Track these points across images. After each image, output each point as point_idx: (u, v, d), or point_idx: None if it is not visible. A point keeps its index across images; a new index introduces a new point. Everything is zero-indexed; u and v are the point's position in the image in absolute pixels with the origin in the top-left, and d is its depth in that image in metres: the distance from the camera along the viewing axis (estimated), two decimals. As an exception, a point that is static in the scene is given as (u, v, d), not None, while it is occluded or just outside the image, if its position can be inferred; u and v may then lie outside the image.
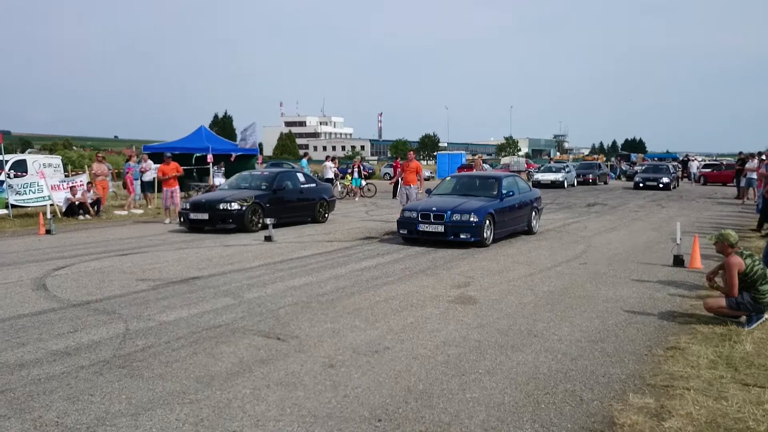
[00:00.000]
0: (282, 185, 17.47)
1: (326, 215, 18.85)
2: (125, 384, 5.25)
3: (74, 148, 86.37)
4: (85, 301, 8.31)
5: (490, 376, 5.53)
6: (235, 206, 15.82)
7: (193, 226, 16.22)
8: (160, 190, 20.06)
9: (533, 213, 15.62)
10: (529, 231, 15.42)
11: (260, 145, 29.93)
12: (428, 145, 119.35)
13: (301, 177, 18.92)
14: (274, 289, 9.08)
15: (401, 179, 18.85)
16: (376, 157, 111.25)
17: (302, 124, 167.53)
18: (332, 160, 31.02)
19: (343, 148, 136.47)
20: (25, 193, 19.10)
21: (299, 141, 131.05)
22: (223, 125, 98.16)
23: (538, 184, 38.46)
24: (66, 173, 26.07)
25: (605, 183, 44.64)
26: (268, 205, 16.51)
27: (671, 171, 38.65)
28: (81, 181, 20.31)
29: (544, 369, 5.71)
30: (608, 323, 7.32)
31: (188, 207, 16.37)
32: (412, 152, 21.36)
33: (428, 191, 15.64)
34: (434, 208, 13.42)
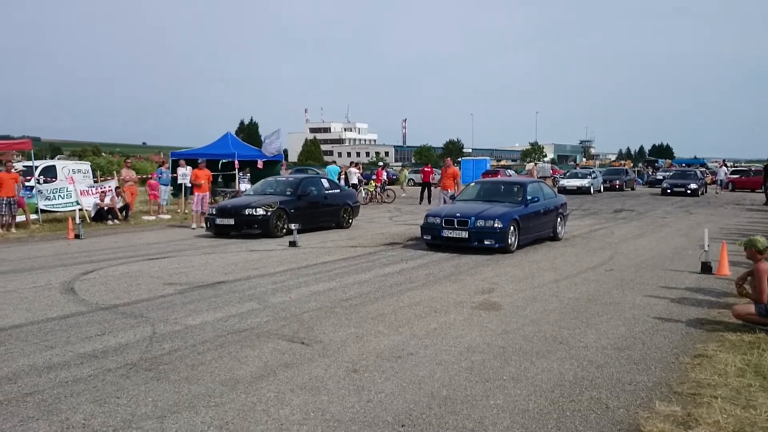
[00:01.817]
0: (306, 191, 17.66)
1: (350, 221, 18.94)
2: (151, 387, 5.31)
3: (103, 154, 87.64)
4: (113, 304, 8.42)
5: (514, 382, 5.50)
6: (261, 212, 15.97)
7: (219, 231, 16.39)
8: (191, 194, 20.28)
9: (558, 219, 15.46)
10: (554, 237, 15.28)
11: (285, 151, 30.05)
12: (452, 151, 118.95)
13: (325, 183, 19.09)
14: (299, 294, 9.12)
15: (430, 185, 19.22)
16: (400, 163, 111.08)
17: (327, 130, 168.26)
18: (356, 166, 31.08)
19: (368, 154, 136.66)
20: (55, 199, 19.44)
21: (324, 147, 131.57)
22: (248, 132, 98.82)
23: (563, 190, 38.23)
24: (95, 179, 26.43)
25: (632, 189, 44.20)
26: (292, 210, 16.65)
27: (699, 177, 38.18)
28: (110, 187, 20.61)
29: (570, 376, 5.67)
30: (635, 330, 7.24)
31: (214, 212, 16.57)
32: (449, 158, 21.79)
33: (452, 197, 15.60)
34: (458, 214, 13.35)
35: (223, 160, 27.24)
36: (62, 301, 8.68)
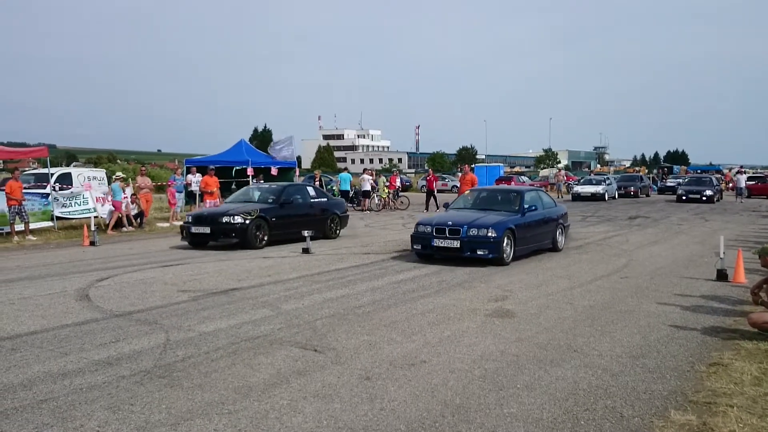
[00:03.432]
0: (290, 199, 16.84)
1: (338, 231, 18.09)
2: (165, 394, 5.33)
3: (118, 161, 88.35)
4: (127, 311, 8.47)
5: (528, 391, 5.47)
6: (239, 220, 15.12)
7: (195, 241, 15.58)
8: (202, 201, 20.39)
9: (558, 229, 14.83)
10: (554, 248, 14.62)
11: (298, 158, 30.19)
12: (465, 158, 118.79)
13: (311, 191, 18.24)
14: (312, 301, 9.13)
15: (434, 193, 19.22)
16: (413, 170, 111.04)
17: (340, 137, 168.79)
18: (369, 173, 31.11)
19: (381, 160, 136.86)
20: (70, 206, 19.61)
21: (337, 154, 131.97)
22: (262, 139, 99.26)
23: (578, 197, 38.09)
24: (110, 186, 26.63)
25: (647, 195, 43.93)
26: (274, 219, 15.85)
27: (714, 184, 37.91)
28: (125, 194, 20.74)
29: (584, 385, 5.63)
30: (650, 338, 7.19)
31: (190, 220, 15.73)
32: (467, 165, 21.86)
33: (446, 205, 15.19)
34: (450, 223, 12.69)
35: (237, 167, 27.41)
36: (77, 307, 8.74)
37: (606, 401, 5.23)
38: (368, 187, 29.63)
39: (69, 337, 7.17)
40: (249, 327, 7.60)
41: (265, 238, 15.52)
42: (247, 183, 25.84)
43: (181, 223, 21.63)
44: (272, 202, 16.49)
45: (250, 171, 25.80)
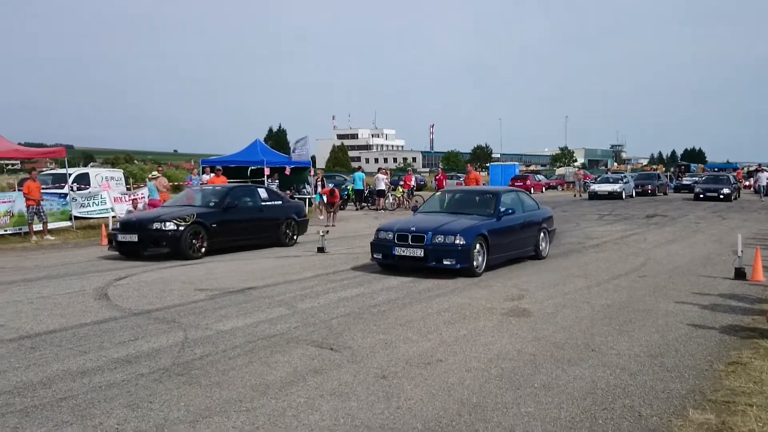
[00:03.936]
0: (234, 203, 14.89)
1: (294, 237, 16.29)
2: (184, 391, 5.37)
3: (135, 162, 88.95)
4: (146, 310, 8.54)
5: (545, 390, 5.45)
6: (170, 226, 13.29)
7: (124, 249, 13.79)
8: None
9: (542, 235, 13.25)
10: (536, 256, 13.07)
11: (313, 157, 30.26)
12: (480, 156, 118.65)
13: (262, 193, 16.31)
14: (327, 300, 9.15)
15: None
16: (427, 169, 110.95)
17: (354, 136, 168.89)
18: (384, 172, 31.16)
19: (395, 159, 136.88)
20: (89, 205, 19.81)
21: (351, 153, 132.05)
22: (277, 138, 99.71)
23: (594, 195, 37.89)
24: (128, 186, 26.87)
25: (664, 194, 43.64)
26: (214, 225, 14.01)
27: (732, 182, 37.57)
28: (142, 194, 20.93)
29: (602, 384, 5.60)
30: (668, 338, 7.14)
31: (118, 227, 14.13)
32: (470, 164, 21.69)
33: (414, 208, 14.09)
34: (413, 228, 11.22)
35: (252, 167, 27.54)
36: (96, 306, 8.82)
37: (624, 400, 5.20)
38: (383, 187, 29.66)
39: (88, 335, 7.23)
40: (265, 325, 7.64)
41: (204, 247, 13.74)
42: (263, 183, 25.98)
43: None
44: (214, 205, 14.62)
45: (267, 171, 25.92)
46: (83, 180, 22.83)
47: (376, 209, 29.15)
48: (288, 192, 23.98)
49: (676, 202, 34.31)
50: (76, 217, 19.58)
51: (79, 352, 6.56)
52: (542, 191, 49.91)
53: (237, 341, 6.94)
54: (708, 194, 35.30)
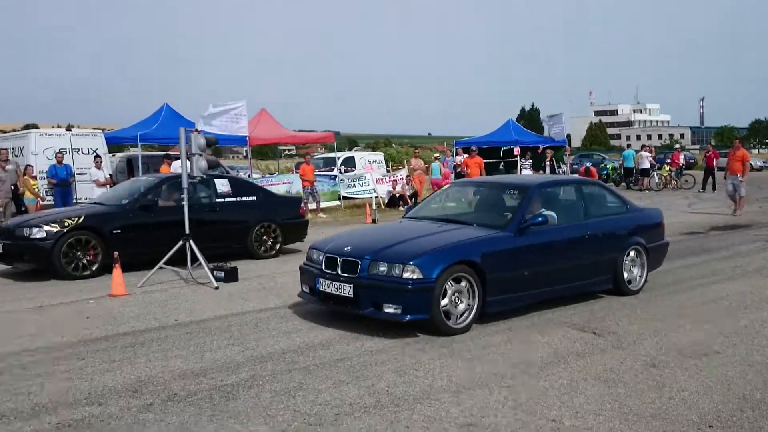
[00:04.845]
0: (156, 199, 10.68)
1: (276, 246, 11.69)
2: (446, 362, 5.54)
3: (393, 145, 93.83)
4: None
5: None
6: (38, 234, 9.57)
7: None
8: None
9: (626, 255, 8.01)
10: (619, 290, 7.97)
11: (568, 136, 29.26)
12: (758, 131, 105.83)
13: (222, 185, 11.48)
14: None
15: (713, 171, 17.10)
16: (697, 146, 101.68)
17: (613, 113, 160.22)
18: (648, 150, 29.12)
19: (660, 136, 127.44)
20: (354, 186, 21.44)
21: (610, 131, 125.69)
22: (530, 118, 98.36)
23: None
24: (387, 168, 28.47)
25: None
26: (117, 231, 9.98)
27: None
28: (401, 176, 22.06)
29: None
30: None
31: None
32: (738, 140, 19.40)
33: (408, 208, 10.14)
34: (347, 249, 6.80)
35: (505, 147, 27.53)
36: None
37: None
38: (647, 165, 27.76)
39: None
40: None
41: (97, 262, 9.83)
42: (515, 164, 25.86)
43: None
44: (126, 203, 10.52)
45: (517, 150, 25.77)
46: (349, 163, 24.66)
47: (639, 189, 27.40)
48: (540, 171, 23.55)
49: None
50: (344, 197, 21.25)
51: (353, 319, 6.97)
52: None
53: (498, 317, 6.92)
54: None
